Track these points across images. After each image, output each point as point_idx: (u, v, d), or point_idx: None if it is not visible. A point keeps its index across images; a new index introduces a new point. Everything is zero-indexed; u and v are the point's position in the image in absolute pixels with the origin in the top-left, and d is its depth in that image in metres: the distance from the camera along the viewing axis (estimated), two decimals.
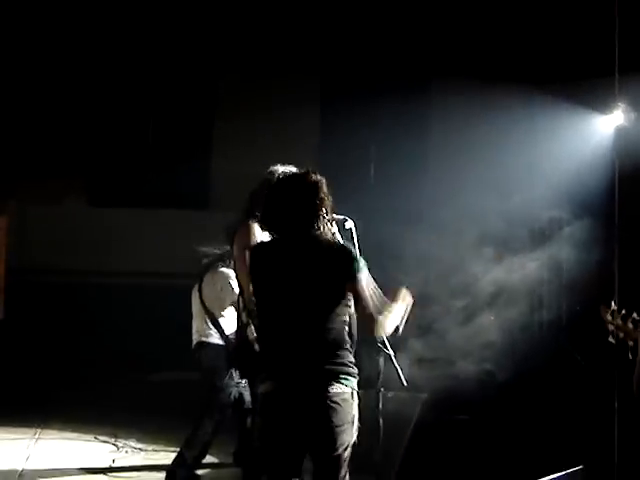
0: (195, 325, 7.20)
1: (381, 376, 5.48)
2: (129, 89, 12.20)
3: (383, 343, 5.36)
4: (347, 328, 4.48)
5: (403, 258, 9.21)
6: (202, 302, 7.08)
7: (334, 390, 4.32)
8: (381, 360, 5.41)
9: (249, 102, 11.91)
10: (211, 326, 7.02)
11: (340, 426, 4.35)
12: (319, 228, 4.51)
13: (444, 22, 10.87)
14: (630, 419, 6.29)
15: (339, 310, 4.37)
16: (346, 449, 4.44)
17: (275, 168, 5.57)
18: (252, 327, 5.48)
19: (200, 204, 12.08)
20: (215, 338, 7.01)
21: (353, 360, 4.49)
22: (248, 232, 5.41)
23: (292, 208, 4.46)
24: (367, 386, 5.84)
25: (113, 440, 8.23)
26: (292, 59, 11.69)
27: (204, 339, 7.09)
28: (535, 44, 9.65)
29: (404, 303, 4.66)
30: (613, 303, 5.30)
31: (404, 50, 11.42)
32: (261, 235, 5.38)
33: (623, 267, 7.87)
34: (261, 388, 4.44)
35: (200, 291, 7.12)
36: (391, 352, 5.37)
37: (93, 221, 12.10)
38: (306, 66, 11.89)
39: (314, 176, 4.59)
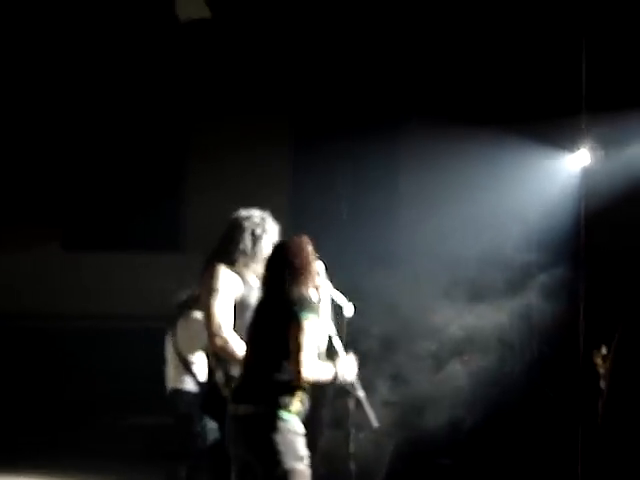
0: (169, 371, 7.15)
1: (350, 418, 5.48)
2: (100, 132, 12.19)
3: (353, 385, 5.37)
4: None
5: (372, 301, 9.24)
6: (175, 348, 7.03)
7: None
8: (351, 402, 5.42)
9: (220, 144, 11.91)
10: (185, 372, 6.97)
11: None
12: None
13: (413, 62, 10.97)
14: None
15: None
16: None
17: (239, 212, 5.66)
18: (220, 372, 5.48)
19: (172, 247, 12.04)
20: (189, 384, 6.96)
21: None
22: (213, 274, 5.43)
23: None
24: (337, 427, 5.87)
25: None
26: (262, 99, 11.73)
27: (179, 386, 7.03)
28: (502, 83, 9.75)
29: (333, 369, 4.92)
30: (604, 348, 5.34)
31: (374, 90, 11.49)
32: (228, 277, 5.40)
33: (590, 306, 7.93)
34: None
35: (173, 337, 7.08)
36: (361, 394, 5.38)
37: (66, 265, 12.04)
38: (276, 106, 11.93)
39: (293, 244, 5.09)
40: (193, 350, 6.85)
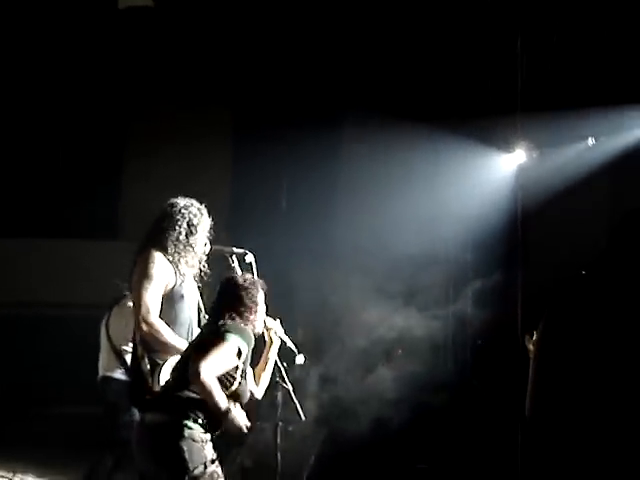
0: (101, 359, 7.12)
1: (279, 410, 5.51)
2: (39, 118, 12.06)
3: (282, 378, 5.40)
4: None
5: (305, 295, 9.28)
6: (108, 336, 7.00)
7: None
8: (279, 394, 5.45)
9: (160, 133, 11.86)
10: (116, 360, 6.94)
11: None
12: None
13: (354, 57, 10.99)
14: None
15: None
16: None
17: (176, 200, 5.57)
18: (146, 360, 5.44)
19: (109, 235, 11.95)
20: (120, 373, 6.93)
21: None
22: (146, 260, 5.38)
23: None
24: (265, 419, 5.89)
25: (11, 475, 8.07)
26: (203, 91, 11.69)
27: (109, 374, 7.00)
28: (440, 82, 9.81)
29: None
30: (535, 332, 5.41)
31: (314, 84, 11.50)
32: (161, 263, 5.35)
33: (526, 302, 8.03)
34: None
35: (107, 325, 7.04)
36: (289, 387, 5.41)
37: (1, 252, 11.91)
38: (218, 98, 11.89)
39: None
40: (125, 338, 6.82)
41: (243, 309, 4.89)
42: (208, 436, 4.69)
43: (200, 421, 4.64)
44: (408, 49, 10.11)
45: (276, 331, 5.25)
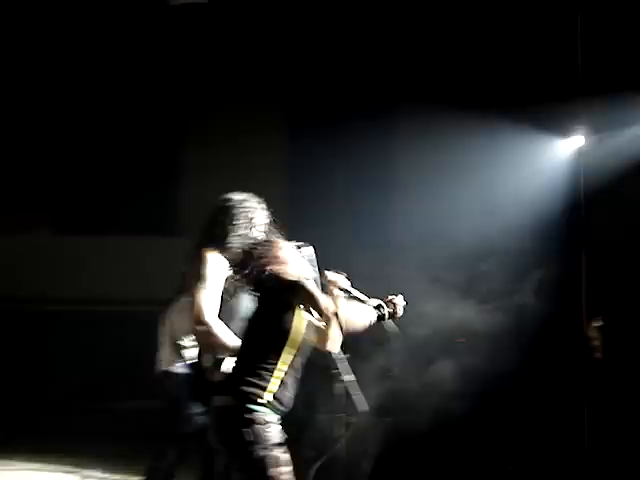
0: (161, 354, 7.17)
1: (341, 401, 5.49)
2: (94, 116, 12.18)
3: (343, 369, 5.38)
4: None
5: (365, 287, 9.24)
6: (169, 331, 7.04)
7: None
8: (339, 386, 5.43)
9: (216, 130, 11.93)
10: (177, 355, 6.98)
11: None
12: None
13: (406, 48, 10.93)
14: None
15: None
16: None
17: (231, 195, 5.56)
18: (208, 356, 5.47)
19: (169, 231, 12.04)
20: (180, 368, 6.97)
21: None
22: (202, 259, 5.38)
23: None
24: (327, 411, 5.87)
25: (78, 471, 8.18)
26: (258, 86, 11.72)
27: (169, 368, 7.05)
28: (497, 68, 9.71)
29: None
30: (598, 320, 5.38)
31: (369, 77, 11.47)
32: (216, 261, 5.36)
33: (590, 290, 7.93)
34: None
35: (168, 320, 7.09)
36: (350, 378, 5.39)
37: (59, 250, 12.06)
38: (271, 93, 11.92)
39: None
40: (185, 334, 6.85)
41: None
42: (274, 418, 4.71)
43: (264, 402, 4.68)
44: (460, 35, 10.03)
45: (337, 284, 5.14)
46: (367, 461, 6.66)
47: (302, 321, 4.80)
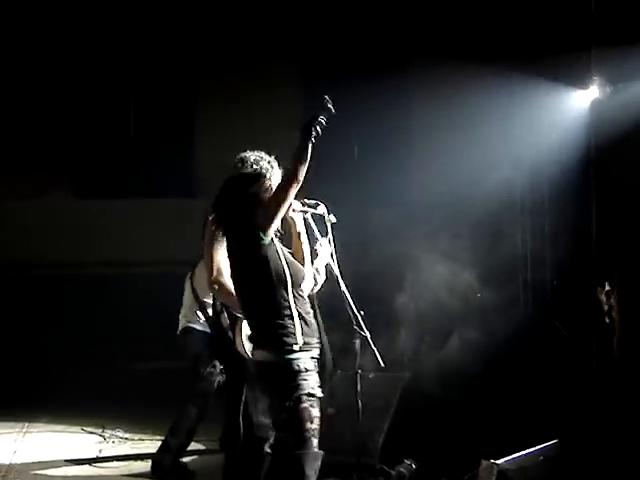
0: (183, 311, 7.21)
1: (358, 358, 5.52)
2: (109, 80, 12.15)
3: (359, 325, 5.40)
4: None
5: (384, 240, 9.25)
6: (193, 288, 7.08)
7: None
8: (357, 342, 5.46)
9: (229, 88, 11.89)
10: (198, 313, 7.02)
11: None
12: None
13: (419, 4, 10.85)
14: (610, 387, 6.33)
15: None
16: None
17: (245, 154, 5.53)
18: (226, 314, 5.50)
19: (185, 192, 12.05)
20: (201, 325, 7.01)
21: None
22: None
23: None
24: (345, 368, 5.90)
25: (100, 431, 8.27)
26: (271, 43, 11.66)
27: (190, 325, 7.10)
28: (509, 20, 9.62)
29: None
30: (607, 284, 5.38)
31: (382, 31, 11.39)
32: None
33: (601, 242, 7.89)
34: None
35: (191, 279, 7.12)
36: (367, 334, 5.41)
37: (78, 213, 12.10)
38: (285, 49, 11.86)
39: None
40: (208, 292, 6.88)
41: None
42: (311, 364, 4.82)
43: (298, 348, 4.77)
44: None
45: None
46: (386, 417, 6.69)
47: (275, 251, 4.86)
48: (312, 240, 5.41)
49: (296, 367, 4.76)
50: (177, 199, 11.97)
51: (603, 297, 5.27)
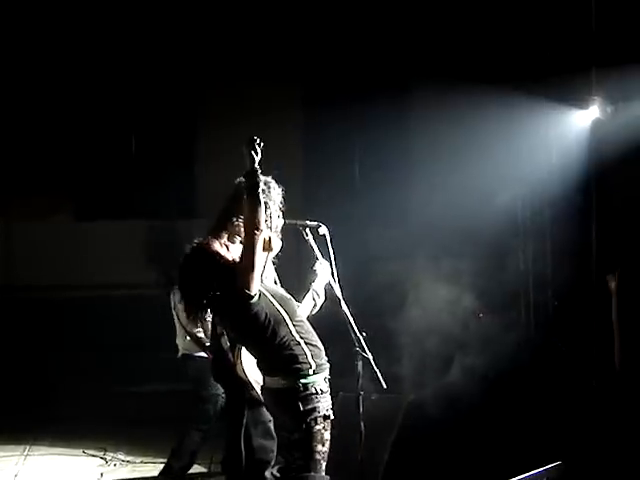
0: (178, 339, 7.22)
1: (360, 380, 5.49)
2: (110, 102, 12.19)
3: (361, 347, 5.38)
4: None
5: (385, 261, 9.25)
6: (180, 322, 7.07)
7: None
8: (359, 364, 5.43)
9: (231, 110, 11.91)
10: (193, 342, 7.02)
11: None
12: None
13: (421, 25, 10.89)
14: (611, 406, 6.31)
15: None
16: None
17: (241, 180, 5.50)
18: (226, 337, 5.49)
19: (188, 213, 12.05)
20: (197, 351, 7.02)
21: None
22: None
23: None
24: (347, 390, 5.88)
25: (101, 454, 8.23)
26: (272, 65, 11.71)
27: (188, 352, 7.11)
28: (510, 41, 9.65)
29: None
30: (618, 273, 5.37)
31: (382, 54, 11.44)
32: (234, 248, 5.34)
33: (600, 260, 7.90)
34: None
35: (176, 310, 7.10)
36: (369, 355, 5.39)
37: (80, 235, 12.11)
38: (287, 72, 11.90)
39: None
40: (195, 323, 6.86)
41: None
42: (325, 386, 4.89)
43: (311, 371, 4.83)
44: (476, 8, 9.96)
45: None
46: (389, 439, 6.66)
47: (266, 298, 4.87)
48: (313, 261, 5.41)
49: (313, 390, 4.83)
50: (179, 220, 11.97)
51: (613, 285, 5.27)
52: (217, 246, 5.04)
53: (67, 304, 11.43)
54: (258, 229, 4.76)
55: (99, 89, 12.12)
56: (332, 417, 4.93)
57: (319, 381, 4.88)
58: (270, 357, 4.91)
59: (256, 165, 4.92)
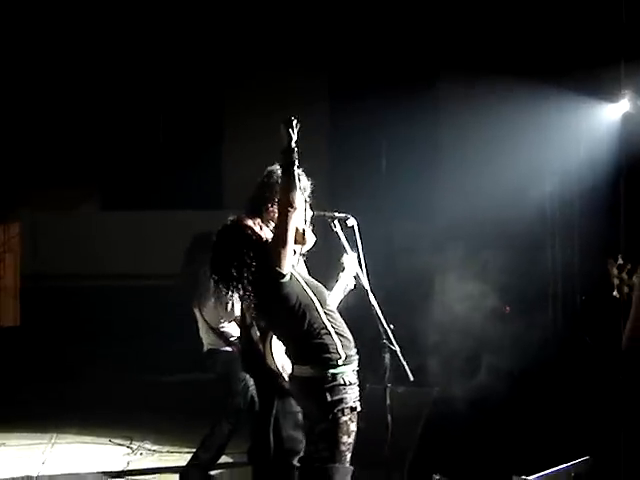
0: (202, 335, 7.17)
1: (388, 372, 5.48)
2: (137, 93, 12.24)
3: (389, 339, 5.36)
4: None
5: (412, 254, 9.23)
6: (203, 318, 7.04)
7: None
8: (387, 356, 5.42)
9: (258, 100, 11.94)
10: (217, 337, 7.00)
11: None
12: None
13: (450, 16, 10.85)
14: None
15: None
16: None
17: (274, 168, 5.50)
18: (256, 328, 5.48)
19: (214, 204, 12.07)
20: (223, 345, 6.99)
21: None
22: None
23: None
24: (374, 382, 5.87)
25: (128, 443, 8.25)
26: (300, 56, 11.70)
27: (213, 347, 7.07)
28: (540, 35, 9.61)
29: None
30: (620, 257, 5.32)
31: (411, 44, 11.40)
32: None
33: (630, 255, 7.84)
34: None
35: (200, 308, 7.06)
36: (397, 347, 5.37)
37: (107, 225, 12.17)
38: (314, 63, 11.90)
39: None
40: (219, 317, 6.85)
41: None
42: (353, 377, 4.83)
43: (340, 362, 4.77)
44: (508, 5, 9.91)
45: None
46: (416, 432, 6.65)
47: (297, 281, 4.82)
48: (341, 252, 5.40)
49: (341, 380, 4.78)
50: (205, 211, 11.98)
51: (614, 270, 5.20)
52: (251, 223, 5.02)
53: (94, 293, 11.48)
54: (292, 207, 4.72)
55: (126, 80, 12.16)
56: (359, 409, 4.88)
57: (348, 372, 4.83)
58: (299, 344, 4.87)
59: (293, 144, 4.84)
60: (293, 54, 11.67)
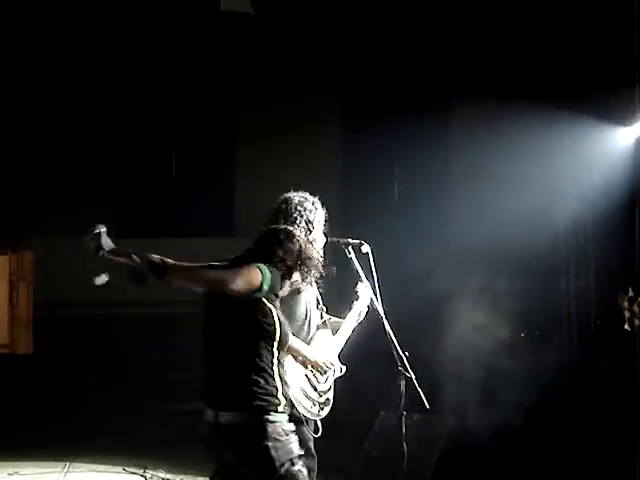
0: None
1: (403, 399, 5.43)
2: (151, 120, 12.28)
3: (404, 366, 5.33)
4: None
5: (427, 278, 9.18)
6: None
7: None
8: (402, 383, 5.38)
9: (269, 126, 11.98)
10: None
11: None
12: None
13: (461, 41, 10.86)
14: None
15: None
16: None
17: (290, 195, 5.49)
18: None
19: (226, 231, 12.07)
20: None
21: None
22: None
23: None
24: (389, 409, 5.84)
25: (142, 471, 8.22)
26: (312, 81, 11.73)
27: None
28: (552, 59, 9.60)
29: None
30: (630, 290, 5.29)
31: (422, 68, 11.42)
32: None
33: None
34: None
35: None
36: (412, 375, 5.34)
37: None
38: (325, 86, 11.92)
39: None
40: None
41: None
42: (292, 425, 4.45)
43: (280, 408, 4.40)
44: (519, 25, 9.92)
45: None
46: (432, 460, 6.61)
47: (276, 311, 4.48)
48: (355, 279, 5.38)
49: (285, 428, 4.41)
50: (218, 238, 11.99)
51: (625, 303, 5.17)
52: None
53: (107, 320, 11.47)
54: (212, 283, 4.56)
55: (140, 107, 12.20)
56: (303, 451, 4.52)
57: (286, 422, 4.44)
58: (239, 377, 4.44)
59: (137, 259, 4.23)
60: (305, 78, 11.70)
